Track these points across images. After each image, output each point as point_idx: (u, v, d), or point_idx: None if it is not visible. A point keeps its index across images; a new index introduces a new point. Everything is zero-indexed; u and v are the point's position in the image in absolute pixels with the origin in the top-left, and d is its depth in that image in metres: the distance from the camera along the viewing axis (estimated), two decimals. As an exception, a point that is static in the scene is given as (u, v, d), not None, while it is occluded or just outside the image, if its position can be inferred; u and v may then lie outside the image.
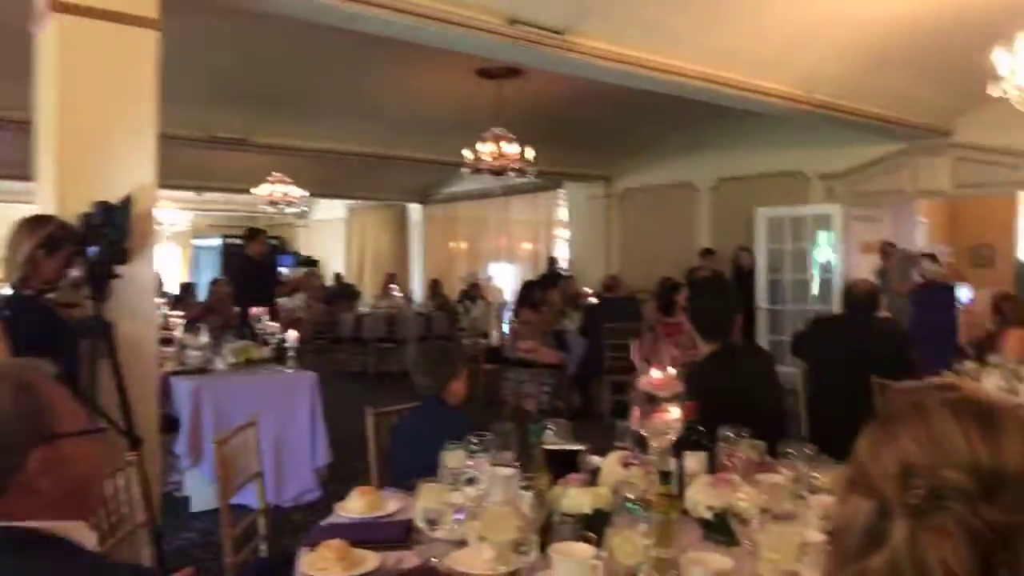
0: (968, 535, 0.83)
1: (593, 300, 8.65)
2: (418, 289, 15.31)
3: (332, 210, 17.53)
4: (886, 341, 4.13)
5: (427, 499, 1.84)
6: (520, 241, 13.99)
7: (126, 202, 3.30)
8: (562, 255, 13.02)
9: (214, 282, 10.00)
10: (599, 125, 9.62)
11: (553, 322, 8.71)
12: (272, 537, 4.46)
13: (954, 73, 6.39)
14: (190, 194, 15.67)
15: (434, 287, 13.05)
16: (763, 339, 9.18)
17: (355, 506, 2.19)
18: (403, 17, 4.56)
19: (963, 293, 7.83)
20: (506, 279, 14.04)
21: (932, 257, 7.36)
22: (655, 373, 1.92)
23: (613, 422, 7.01)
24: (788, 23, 5.60)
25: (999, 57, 4.35)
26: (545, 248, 13.39)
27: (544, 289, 9.46)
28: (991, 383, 3.89)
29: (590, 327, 7.77)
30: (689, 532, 2.02)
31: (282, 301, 13.50)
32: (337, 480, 5.52)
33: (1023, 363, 4.05)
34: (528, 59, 5.63)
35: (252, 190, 11.73)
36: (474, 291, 11.29)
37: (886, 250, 8.08)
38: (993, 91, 4.49)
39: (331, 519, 2.18)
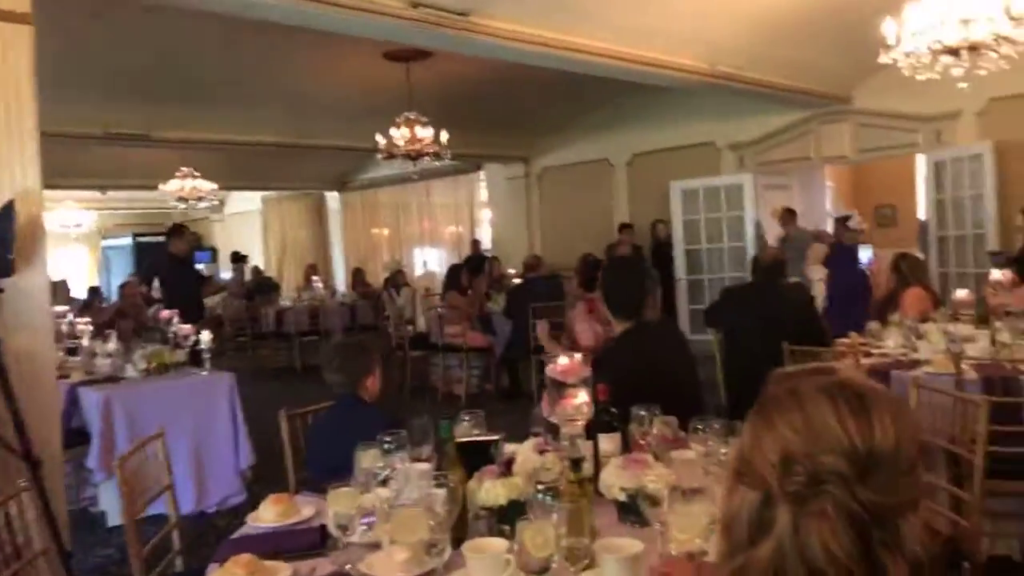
0: (846, 517, 0.86)
1: (517, 281, 8.66)
2: (341, 279, 15.06)
3: (247, 202, 17.05)
4: (795, 307, 4.27)
5: (337, 504, 1.80)
6: (443, 225, 13.89)
7: (8, 209, 3.11)
8: (485, 237, 12.99)
9: (124, 284, 9.61)
10: (514, 105, 9.59)
11: (479, 305, 8.70)
12: (196, 545, 4.38)
13: (851, 42, 6.59)
14: (95, 193, 14.99)
15: (357, 276, 12.85)
16: (683, 309, 9.39)
17: (268, 515, 2.13)
18: (301, 4, 4.43)
19: (865, 255, 8.17)
20: (431, 263, 13.95)
21: (844, 221, 7.56)
22: (562, 360, 1.92)
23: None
24: (691, -1, 5.68)
25: (888, 26, 4.50)
26: (468, 231, 13.34)
27: (469, 273, 9.44)
28: (892, 342, 4.06)
29: (515, 308, 7.78)
30: (606, 514, 2.04)
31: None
32: (263, 481, 5.39)
33: (921, 321, 4.23)
34: (433, 42, 5.55)
35: (160, 186, 11.28)
36: (399, 278, 11.14)
37: (785, 217, 8.29)
38: (885, 59, 4.64)
39: (242, 530, 2.12)
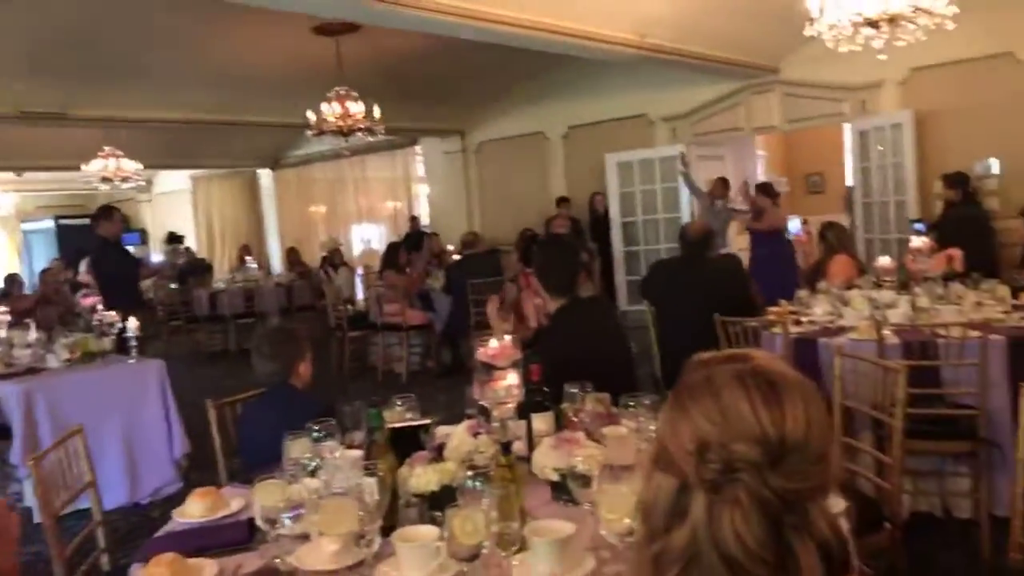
0: (758, 504, 0.87)
1: (456, 258, 8.61)
2: (276, 259, 14.75)
3: (176, 181, 16.52)
4: (725, 278, 4.34)
5: (264, 497, 1.76)
6: (380, 201, 13.69)
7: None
8: (424, 212, 12.87)
9: (45, 270, 9.24)
10: (448, 78, 9.47)
11: (418, 282, 8.63)
12: (130, 538, 4.27)
13: (778, 14, 6.65)
14: (11, 175, 14.32)
15: (292, 255, 12.61)
16: (620, 281, 9.48)
17: (193, 510, 2.08)
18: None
19: (792, 224, 8.32)
20: (370, 240, 13.76)
21: (767, 187, 7.67)
22: (492, 343, 1.91)
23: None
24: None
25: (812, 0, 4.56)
26: (407, 206, 13.18)
27: (408, 250, 9.34)
28: (819, 309, 4.17)
29: (454, 285, 7.75)
30: (540, 493, 2.05)
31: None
32: (200, 468, 5.29)
33: (847, 288, 4.36)
34: (359, 16, 5.43)
35: (83, 166, 10.81)
36: (335, 257, 10.97)
37: (717, 187, 8.38)
38: (809, 31, 4.71)
39: (168, 527, 2.06)
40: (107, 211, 7.27)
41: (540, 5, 5.76)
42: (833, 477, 0.93)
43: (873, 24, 4.51)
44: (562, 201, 9.92)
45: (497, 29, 5.71)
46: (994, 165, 7.53)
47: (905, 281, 4.36)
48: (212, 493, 2.14)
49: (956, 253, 4.74)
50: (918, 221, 6.91)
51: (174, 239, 12.92)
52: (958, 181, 6.97)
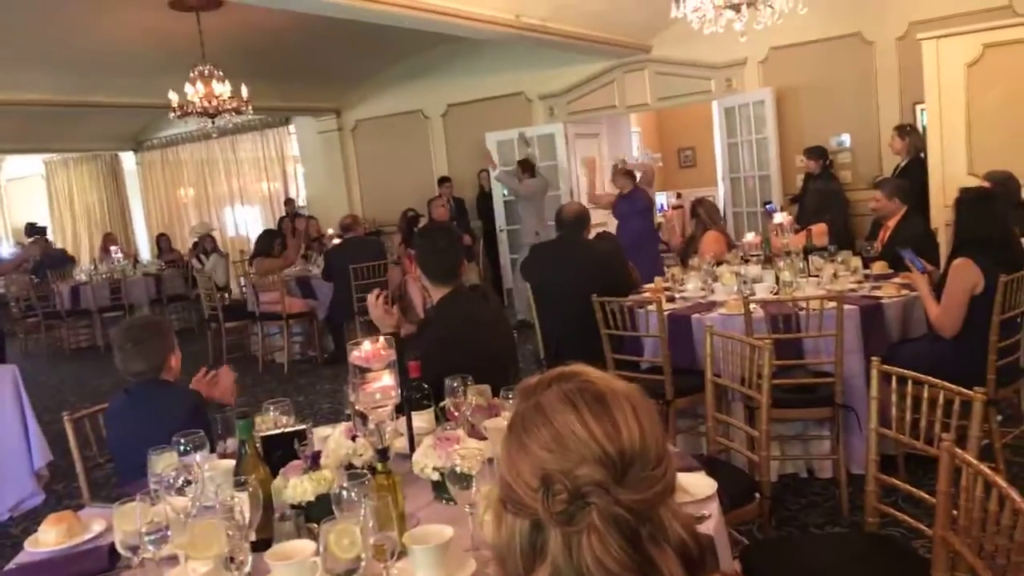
0: (613, 524, 0.86)
1: (336, 241, 8.39)
2: (145, 247, 13.96)
3: (27, 166, 15.29)
4: (600, 258, 4.42)
5: (123, 522, 1.65)
6: (253, 183, 13.14)
7: None
8: (301, 194, 12.47)
9: None
10: (320, 55, 9.15)
11: (295, 259, 8.39)
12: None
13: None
14: None
15: (161, 242, 11.96)
16: (505, 258, 9.53)
17: (48, 538, 1.93)
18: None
19: (661, 199, 8.46)
20: (245, 224, 13.21)
21: (627, 173, 7.62)
22: (365, 345, 1.85)
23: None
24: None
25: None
26: (282, 188, 12.73)
27: (283, 235, 9.03)
28: (692, 285, 4.33)
29: (335, 270, 7.55)
30: (422, 493, 2.03)
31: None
32: (65, 477, 4.98)
33: (717, 264, 4.54)
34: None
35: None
36: (206, 243, 10.47)
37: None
38: (675, 13, 4.83)
39: (19, 558, 1.91)
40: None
41: (413, -17, 5.64)
42: (673, 474, 0.92)
43: (734, 7, 4.68)
44: (444, 181, 9.85)
45: (368, 7, 5.55)
46: (846, 140, 8.03)
47: (769, 256, 4.58)
48: (68, 517, 1.99)
49: (821, 228, 5.01)
50: (768, 203, 7.26)
51: (35, 230, 11.81)
52: (818, 154, 7.43)
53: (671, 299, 4.26)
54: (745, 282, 4.13)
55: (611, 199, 7.65)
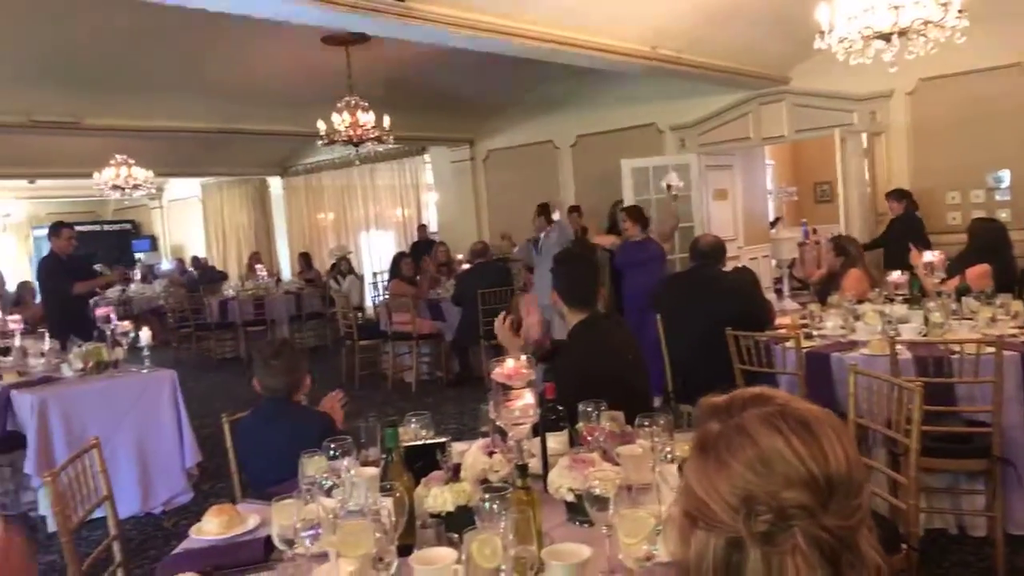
0: (815, 546, 0.87)
1: (465, 266, 8.62)
2: (286, 266, 14.79)
3: (186, 189, 16.61)
4: (734, 291, 4.32)
5: (281, 517, 1.77)
6: (389, 208, 13.71)
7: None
8: (433, 220, 12.89)
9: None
10: (457, 88, 9.49)
11: (426, 291, 8.65)
12: (143, 548, 4.29)
13: (789, 24, 6.68)
14: (23, 182, 14.43)
15: (304, 261, 12.64)
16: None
17: (210, 527, 2.08)
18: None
19: (798, 232, 8.19)
20: (379, 248, 13.77)
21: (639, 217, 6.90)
22: (507, 363, 1.91)
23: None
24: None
25: (822, 12, 4.57)
26: (416, 214, 13.20)
27: (416, 258, 9.36)
28: (831, 323, 4.16)
29: (463, 294, 7.75)
30: (555, 513, 2.05)
31: (136, 288, 12.72)
32: (211, 478, 5.33)
33: (859, 302, 4.35)
34: (370, 28, 5.43)
35: (95, 174, 10.90)
36: (342, 265, 10.99)
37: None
38: (820, 44, 4.71)
39: (185, 544, 2.07)
40: (56, 228, 7.11)
41: (552, 18, 5.77)
42: (869, 502, 0.93)
43: (884, 37, 4.51)
44: (573, 210, 9.88)
45: (510, 42, 5.72)
46: (1005, 176, 7.52)
47: (918, 296, 4.35)
48: (228, 510, 2.15)
49: (982, 270, 4.68)
50: (913, 242, 6.79)
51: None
52: (900, 196, 7.21)
53: (809, 336, 4.11)
54: (890, 322, 3.93)
55: (613, 242, 7.12)
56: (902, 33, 4.48)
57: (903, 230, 6.85)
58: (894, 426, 2.62)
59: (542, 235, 7.81)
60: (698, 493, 0.93)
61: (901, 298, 4.32)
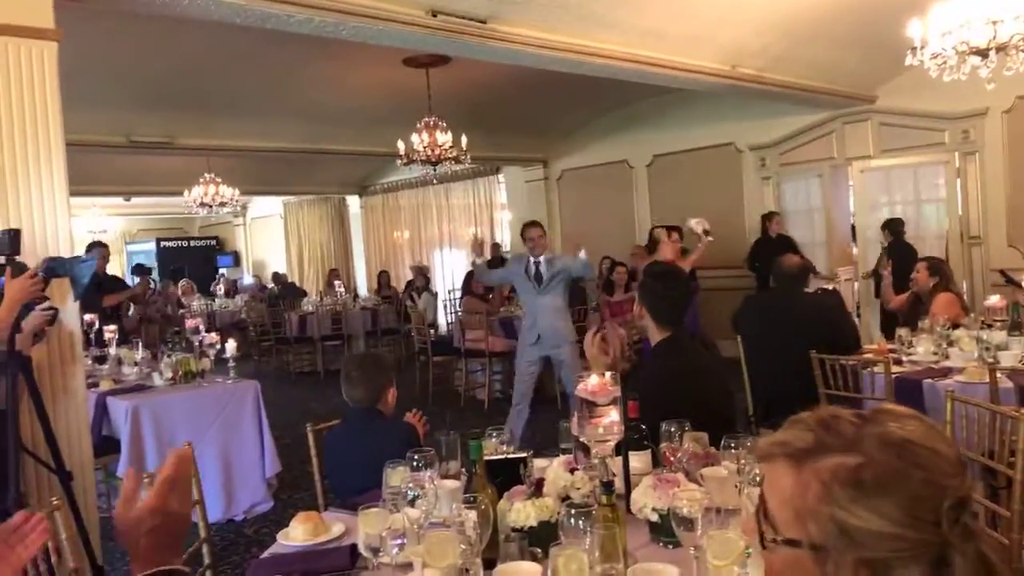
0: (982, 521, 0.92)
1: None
2: (363, 283, 15.11)
3: (268, 207, 17.18)
4: (819, 313, 4.20)
5: (367, 525, 1.79)
6: (463, 227, 13.88)
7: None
8: (506, 239, 12.97)
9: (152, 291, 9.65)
10: (533, 108, 9.58)
11: (498, 308, 8.69)
12: (226, 553, 4.41)
13: (876, 42, 6.51)
14: (119, 199, 15.19)
15: (382, 279, 12.88)
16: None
17: (297, 533, 2.13)
18: (320, 14, 4.44)
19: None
20: (453, 266, 13.94)
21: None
22: (592, 379, 1.90)
23: (565, 405, 6.95)
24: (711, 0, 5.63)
25: (914, 28, 4.43)
26: (489, 233, 13.32)
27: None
28: (922, 348, 4.00)
29: (536, 313, 7.73)
30: (637, 533, 2.02)
31: (219, 303, 13.19)
32: (290, 488, 5.45)
33: (951, 327, 4.17)
34: (452, 49, 5.54)
35: (185, 192, 11.40)
36: (419, 282, 11.16)
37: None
38: (911, 60, 4.57)
39: (273, 549, 2.12)
40: (91, 246, 7.32)
41: (630, 36, 5.77)
42: None
43: (980, 52, 4.35)
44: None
45: (589, 61, 5.75)
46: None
47: (1020, 322, 4.14)
48: (315, 517, 2.19)
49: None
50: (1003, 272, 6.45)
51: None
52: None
53: (898, 361, 3.96)
54: (988, 348, 3.75)
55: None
56: (1000, 48, 4.31)
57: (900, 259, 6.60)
58: (997, 457, 2.49)
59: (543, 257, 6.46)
60: (883, 531, 0.87)
61: (999, 324, 4.12)
